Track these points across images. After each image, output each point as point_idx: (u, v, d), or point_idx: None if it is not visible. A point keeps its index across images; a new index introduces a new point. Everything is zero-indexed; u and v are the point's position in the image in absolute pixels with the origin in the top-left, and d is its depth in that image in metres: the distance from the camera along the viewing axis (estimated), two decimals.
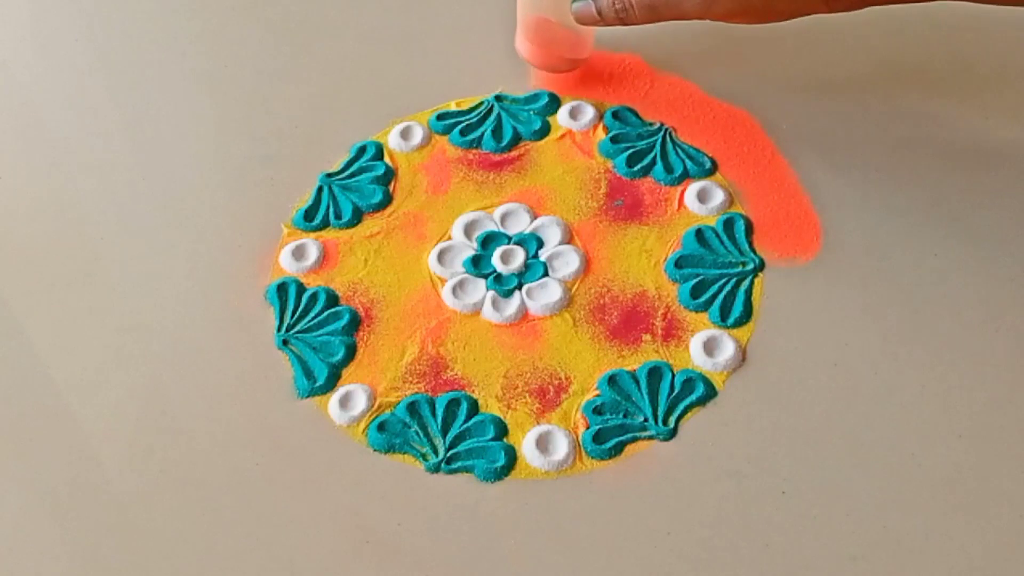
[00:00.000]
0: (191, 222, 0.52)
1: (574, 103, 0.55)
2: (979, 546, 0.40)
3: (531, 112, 0.55)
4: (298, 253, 0.50)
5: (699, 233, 0.50)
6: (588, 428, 0.44)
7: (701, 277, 0.48)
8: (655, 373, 0.45)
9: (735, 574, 0.40)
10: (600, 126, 0.55)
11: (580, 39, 0.54)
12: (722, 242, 0.49)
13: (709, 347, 0.46)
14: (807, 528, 0.41)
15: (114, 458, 0.44)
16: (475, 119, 0.55)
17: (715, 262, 0.49)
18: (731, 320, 0.46)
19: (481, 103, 0.56)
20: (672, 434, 0.43)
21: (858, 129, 0.54)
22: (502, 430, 0.44)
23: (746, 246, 0.49)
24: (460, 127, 0.55)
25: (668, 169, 0.52)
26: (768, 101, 0.55)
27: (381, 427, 0.44)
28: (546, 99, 0.56)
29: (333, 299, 0.49)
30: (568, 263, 0.49)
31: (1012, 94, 0.55)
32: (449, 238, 0.51)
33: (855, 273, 0.48)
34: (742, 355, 0.46)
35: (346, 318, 0.47)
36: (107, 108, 0.58)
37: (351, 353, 0.47)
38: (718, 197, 0.51)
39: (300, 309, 0.48)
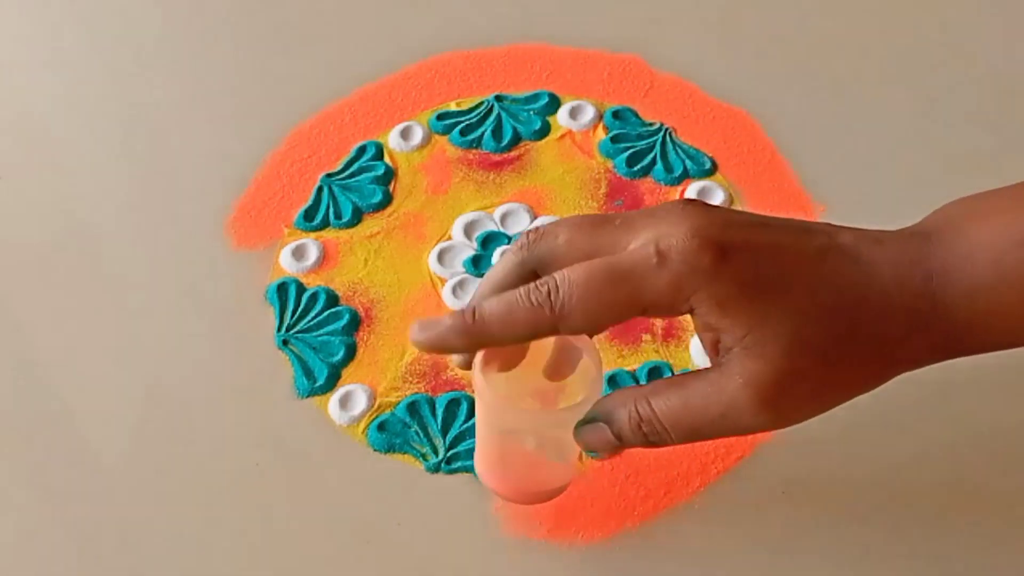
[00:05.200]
0: (191, 223, 0.52)
1: (574, 103, 0.55)
2: (979, 546, 0.40)
3: (531, 112, 0.55)
4: (298, 253, 0.50)
5: None
6: None
7: None
8: (655, 373, 0.45)
9: (735, 574, 0.40)
10: (600, 126, 0.55)
11: (567, 465, 0.40)
12: None
13: None
14: (807, 528, 0.41)
15: (114, 458, 0.44)
16: (475, 119, 0.55)
17: None
18: None
19: (481, 103, 0.56)
20: None
21: (858, 129, 0.54)
22: None
23: None
24: (460, 127, 0.55)
25: (668, 169, 0.52)
26: (768, 101, 0.55)
27: (381, 427, 0.44)
28: (546, 99, 0.56)
29: (333, 299, 0.48)
30: None
31: (1013, 95, 0.55)
32: (449, 238, 0.51)
33: None
34: None
35: (346, 318, 0.47)
36: (106, 108, 0.57)
37: (351, 353, 0.47)
38: (718, 197, 0.51)
39: (300, 309, 0.48)
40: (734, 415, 0.32)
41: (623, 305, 0.32)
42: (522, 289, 0.33)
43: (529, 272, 0.34)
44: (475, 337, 0.33)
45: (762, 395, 0.32)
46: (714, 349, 0.33)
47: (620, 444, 0.34)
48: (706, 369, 0.33)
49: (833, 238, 0.33)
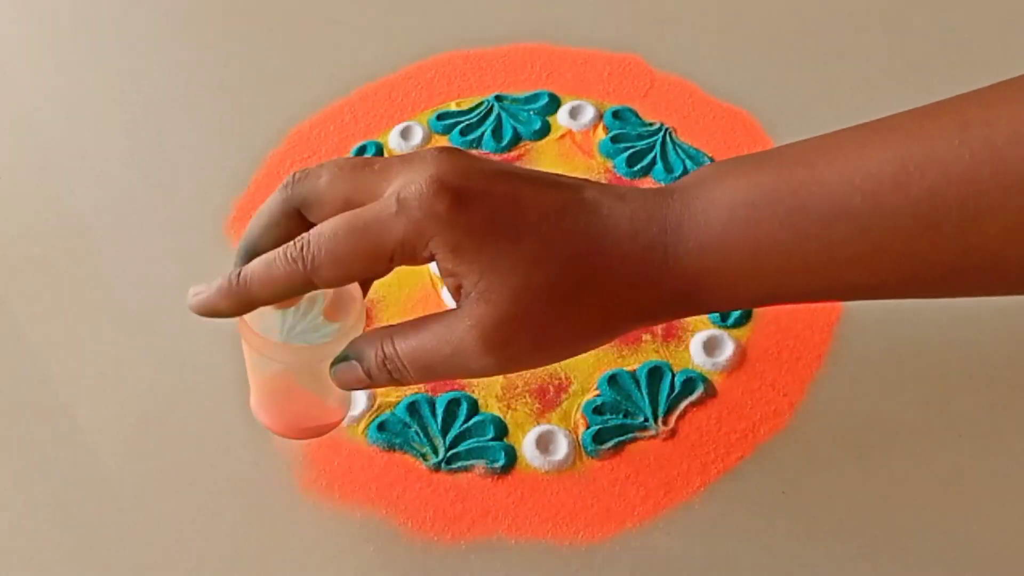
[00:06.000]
0: (191, 223, 0.52)
1: (574, 103, 0.55)
2: (980, 546, 0.40)
3: (531, 112, 0.55)
4: None
5: None
6: (588, 428, 0.44)
7: None
8: (655, 373, 0.45)
9: (735, 574, 0.40)
10: (600, 126, 0.55)
11: (334, 403, 0.41)
12: None
13: (709, 347, 0.46)
14: (807, 528, 0.41)
15: (114, 458, 0.44)
16: (475, 119, 0.55)
17: None
18: (731, 320, 0.46)
19: (481, 103, 0.56)
20: (672, 434, 0.43)
21: None
22: (502, 430, 0.44)
23: None
24: (460, 127, 0.55)
25: (668, 169, 0.52)
26: (768, 101, 0.55)
27: (381, 427, 0.44)
28: (546, 99, 0.56)
29: None
30: None
31: None
32: None
33: None
34: (742, 355, 0.46)
35: None
36: (105, 108, 0.58)
37: None
38: None
39: (300, 309, 0.48)
40: (462, 356, 0.34)
41: (368, 255, 0.33)
42: (281, 248, 0.34)
43: (292, 210, 0.35)
44: (240, 299, 0.35)
45: (486, 338, 0.33)
46: (457, 294, 0.34)
47: (370, 382, 0.36)
48: (445, 311, 0.34)
49: (578, 192, 0.34)
